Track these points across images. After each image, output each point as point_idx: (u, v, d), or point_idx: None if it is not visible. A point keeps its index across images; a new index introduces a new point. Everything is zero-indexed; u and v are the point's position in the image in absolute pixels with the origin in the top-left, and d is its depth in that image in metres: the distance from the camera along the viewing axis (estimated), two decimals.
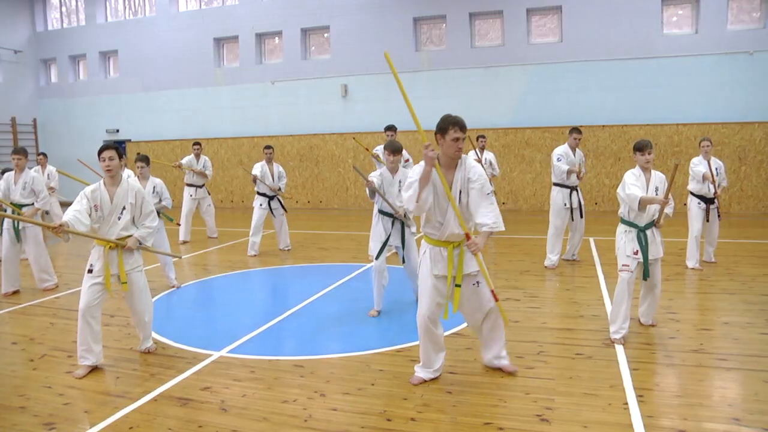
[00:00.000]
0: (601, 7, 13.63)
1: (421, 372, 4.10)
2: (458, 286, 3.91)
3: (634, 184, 4.73)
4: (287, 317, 5.76)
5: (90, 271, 4.41)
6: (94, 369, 4.43)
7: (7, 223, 6.96)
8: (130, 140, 18.50)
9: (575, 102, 13.90)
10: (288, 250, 9.55)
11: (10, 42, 18.89)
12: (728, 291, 6.30)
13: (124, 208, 4.49)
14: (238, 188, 17.12)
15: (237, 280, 7.69)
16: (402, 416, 3.56)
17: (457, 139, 3.67)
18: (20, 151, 6.94)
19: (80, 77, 19.76)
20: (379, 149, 8.68)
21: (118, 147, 4.53)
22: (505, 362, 4.18)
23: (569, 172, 7.52)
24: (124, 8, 19.03)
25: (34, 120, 19.68)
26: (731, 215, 12.66)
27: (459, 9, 14.85)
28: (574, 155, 7.69)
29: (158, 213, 6.57)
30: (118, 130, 18.80)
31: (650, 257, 4.78)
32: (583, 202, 7.85)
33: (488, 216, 3.74)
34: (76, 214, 4.27)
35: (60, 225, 4.11)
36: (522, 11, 14.35)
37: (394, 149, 5.70)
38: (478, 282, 3.96)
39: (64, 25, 19.83)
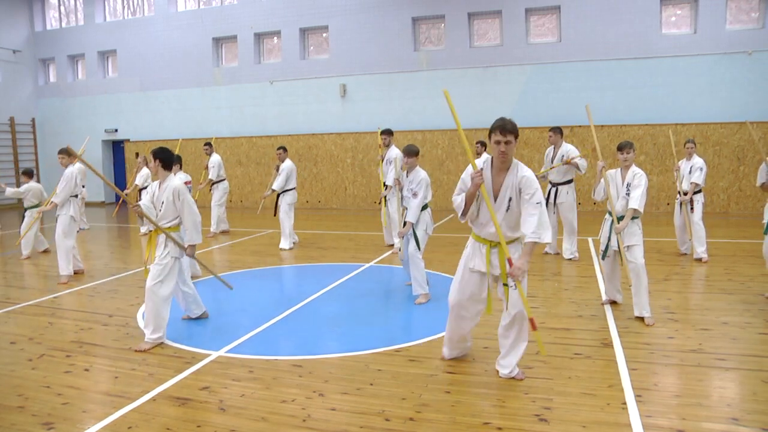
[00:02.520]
0: (599, 7, 13.64)
1: (445, 347, 4.41)
2: (506, 285, 3.87)
3: (611, 179, 5.54)
4: (286, 317, 5.75)
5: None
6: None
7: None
8: (128, 140, 18.49)
9: (574, 102, 13.89)
10: (286, 249, 9.55)
11: (9, 42, 18.87)
12: (727, 291, 6.31)
13: (162, 203, 5.04)
14: (236, 188, 17.11)
15: (236, 279, 7.68)
16: (401, 416, 3.56)
17: (498, 143, 3.71)
18: (62, 151, 7.73)
19: (79, 77, 19.74)
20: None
21: (159, 150, 5.07)
22: (515, 372, 4.06)
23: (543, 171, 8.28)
24: (123, 8, 19.01)
25: (33, 120, 19.67)
26: (730, 215, 12.68)
27: (458, 9, 14.85)
28: (555, 152, 8.20)
29: None
30: (116, 130, 18.79)
31: (616, 246, 5.38)
32: (561, 200, 8.16)
33: (528, 224, 3.66)
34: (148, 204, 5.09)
35: (136, 205, 4.93)
36: (521, 11, 14.35)
37: (410, 152, 6.22)
38: (513, 285, 3.86)
39: (63, 25, 19.81)
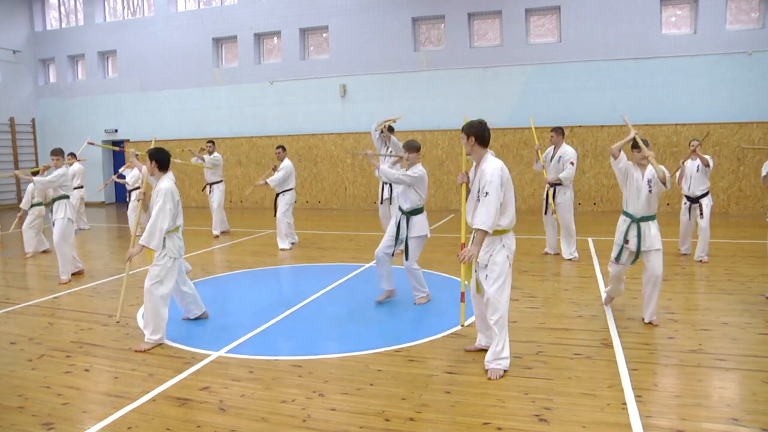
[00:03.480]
0: (599, 7, 13.64)
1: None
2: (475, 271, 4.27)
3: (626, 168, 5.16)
4: (286, 317, 5.75)
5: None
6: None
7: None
8: (128, 140, 18.48)
9: (574, 102, 13.91)
10: (283, 249, 9.54)
11: (9, 42, 18.86)
12: (727, 291, 6.31)
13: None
14: (237, 188, 17.10)
15: (235, 279, 7.69)
16: (400, 416, 3.56)
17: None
18: (55, 152, 7.68)
19: (79, 77, 19.74)
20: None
21: (155, 151, 5.05)
22: (489, 366, 4.13)
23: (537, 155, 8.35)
24: (123, 8, 19.01)
25: (33, 120, 19.67)
26: (730, 215, 12.68)
27: (458, 9, 14.85)
28: (554, 153, 8.16)
29: None
30: (116, 130, 18.79)
31: (643, 248, 5.02)
32: (558, 201, 8.11)
33: (475, 214, 4.09)
34: None
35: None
36: (521, 11, 14.36)
37: (411, 147, 6.06)
38: (486, 275, 4.15)
39: (63, 25, 19.81)
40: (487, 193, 3.99)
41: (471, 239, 4.19)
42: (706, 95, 13.08)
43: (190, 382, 4.15)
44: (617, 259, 5.22)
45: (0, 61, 18.70)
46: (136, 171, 10.91)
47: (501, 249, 4.16)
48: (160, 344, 4.94)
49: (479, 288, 4.27)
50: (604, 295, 5.94)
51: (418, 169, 5.94)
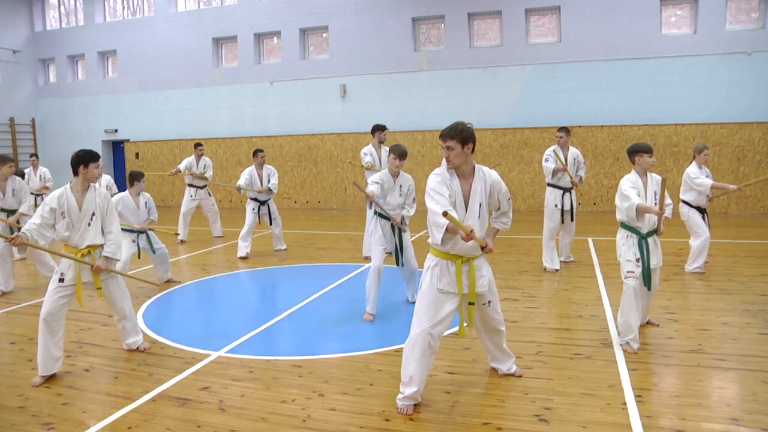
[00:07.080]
0: (599, 7, 13.64)
1: (408, 390, 3.60)
2: (471, 304, 3.72)
3: (633, 188, 4.63)
4: (286, 317, 5.75)
5: (61, 280, 4.30)
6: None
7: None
8: (128, 140, 18.48)
9: (574, 102, 13.91)
10: (285, 250, 9.52)
11: (9, 42, 18.86)
12: (727, 291, 6.31)
13: (93, 214, 4.40)
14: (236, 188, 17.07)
15: (235, 280, 7.69)
16: (400, 416, 3.56)
17: (445, 148, 3.53)
18: (7, 159, 7.10)
19: (79, 77, 19.73)
20: (367, 151, 8.78)
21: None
22: (515, 369, 4.16)
23: (554, 171, 7.48)
24: (123, 8, 19.01)
25: (33, 120, 19.66)
26: (729, 215, 12.67)
27: (457, 9, 14.85)
28: (565, 154, 7.57)
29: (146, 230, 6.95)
30: (116, 130, 18.79)
31: (651, 265, 4.65)
32: (575, 205, 7.65)
33: (506, 218, 3.92)
34: (35, 227, 4.17)
35: (17, 236, 4.07)
36: (520, 11, 14.35)
37: (400, 154, 5.57)
38: (489, 302, 3.81)
39: (63, 25, 19.80)
40: (509, 198, 3.80)
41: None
42: (706, 95, 13.08)
43: (190, 382, 4.15)
44: (648, 282, 4.68)
45: (0, 61, 18.70)
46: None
47: (487, 264, 3.84)
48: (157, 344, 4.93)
49: (463, 331, 3.81)
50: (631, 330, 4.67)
51: (410, 180, 5.80)
